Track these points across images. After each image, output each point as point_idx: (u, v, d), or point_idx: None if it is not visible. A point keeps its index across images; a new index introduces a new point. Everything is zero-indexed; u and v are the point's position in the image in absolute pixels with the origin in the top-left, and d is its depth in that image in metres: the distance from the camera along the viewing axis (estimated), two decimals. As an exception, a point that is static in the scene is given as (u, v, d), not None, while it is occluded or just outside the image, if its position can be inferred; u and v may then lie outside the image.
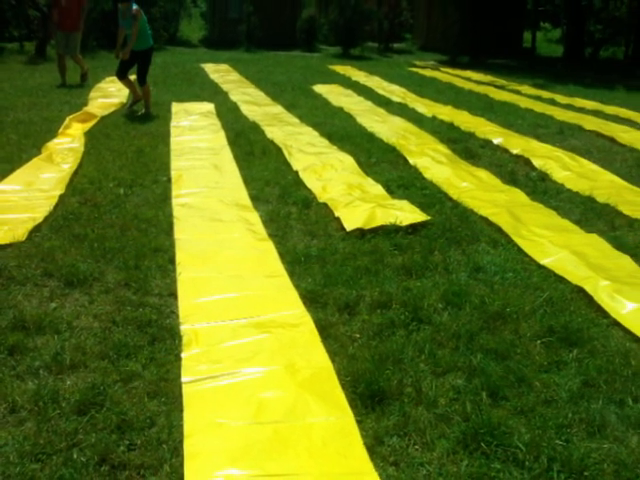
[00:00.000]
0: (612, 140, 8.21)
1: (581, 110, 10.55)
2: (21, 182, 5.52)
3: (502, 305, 3.54)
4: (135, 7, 8.59)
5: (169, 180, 5.77)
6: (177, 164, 6.29)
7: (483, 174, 6.23)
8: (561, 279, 3.96)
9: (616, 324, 3.43)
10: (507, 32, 20.47)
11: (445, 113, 9.61)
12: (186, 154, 6.69)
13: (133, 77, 9.09)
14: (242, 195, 5.42)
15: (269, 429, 2.52)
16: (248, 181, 5.82)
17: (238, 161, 6.50)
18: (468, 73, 15.70)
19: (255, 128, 8.21)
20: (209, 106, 9.57)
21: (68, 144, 6.86)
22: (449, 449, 2.44)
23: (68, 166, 6.02)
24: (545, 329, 3.32)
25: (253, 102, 10.14)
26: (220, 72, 14.05)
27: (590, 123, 9.17)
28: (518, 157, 7.13)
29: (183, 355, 3.00)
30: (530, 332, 3.30)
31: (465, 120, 9.06)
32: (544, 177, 6.36)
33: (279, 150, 7.02)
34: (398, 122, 8.81)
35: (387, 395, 2.74)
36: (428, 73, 15.62)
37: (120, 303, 3.48)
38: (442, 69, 16.67)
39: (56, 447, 2.37)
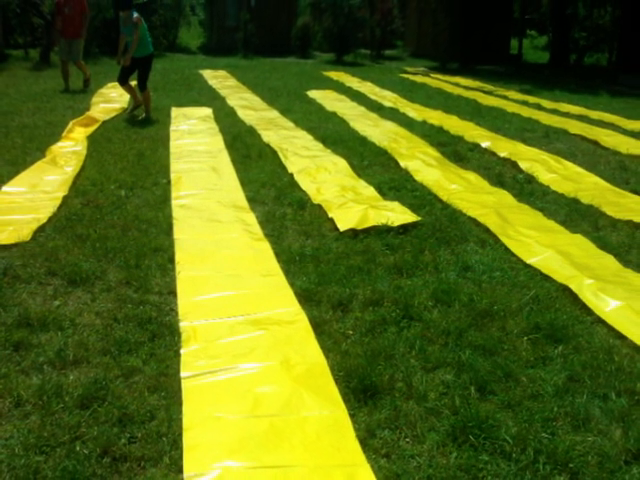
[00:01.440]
0: (596, 143, 8.27)
1: (566, 115, 10.63)
2: (26, 184, 5.58)
3: (490, 303, 3.60)
4: (136, 15, 8.65)
5: (169, 182, 5.83)
6: (176, 167, 6.35)
7: (472, 176, 6.30)
8: (547, 278, 4.01)
9: (600, 321, 3.49)
10: (495, 39, 20.50)
11: (435, 118, 9.67)
12: (185, 157, 6.75)
13: (134, 83, 9.13)
14: (239, 197, 5.48)
15: (265, 422, 2.56)
16: (245, 183, 5.87)
17: (235, 164, 6.56)
18: (457, 79, 15.73)
19: (252, 132, 8.27)
20: (207, 111, 9.62)
21: (71, 147, 6.92)
22: (439, 442, 2.49)
23: (71, 169, 6.07)
24: (531, 326, 3.37)
25: (250, 107, 10.20)
26: (218, 78, 14.10)
27: (575, 127, 9.24)
28: (505, 160, 7.20)
29: (182, 351, 3.04)
30: (517, 329, 3.35)
31: (454, 124, 9.12)
32: (530, 179, 6.42)
33: (275, 153, 7.08)
34: (390, 126, 8.88)
35: (379, 390, 2.79)
36: (419, 79, 15.63)
37: (121, 301, 3.52)
38: (432, 75, 16.69)
39: (60, 440, 2.41)
